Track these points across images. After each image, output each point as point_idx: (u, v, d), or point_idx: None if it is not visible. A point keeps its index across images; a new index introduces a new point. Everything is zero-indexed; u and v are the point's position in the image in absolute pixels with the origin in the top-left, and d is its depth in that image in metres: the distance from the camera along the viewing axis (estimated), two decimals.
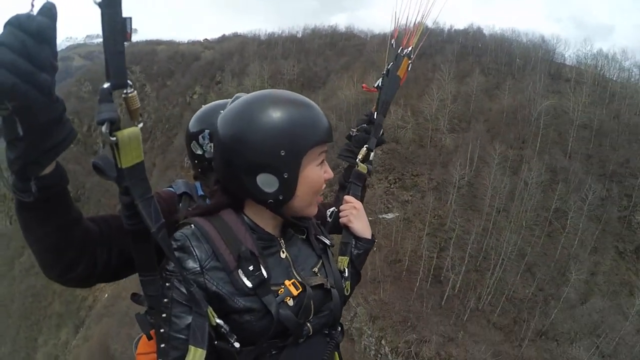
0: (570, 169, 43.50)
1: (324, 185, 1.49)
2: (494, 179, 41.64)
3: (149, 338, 1.30)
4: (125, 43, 0.98)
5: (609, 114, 49.06)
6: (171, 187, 1.73)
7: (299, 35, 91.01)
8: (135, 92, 1.04)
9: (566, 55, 63.59)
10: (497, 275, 38.68)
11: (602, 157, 45.83)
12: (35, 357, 62.90)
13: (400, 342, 36.40)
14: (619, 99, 50.85)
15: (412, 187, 48.50)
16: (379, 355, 37.33)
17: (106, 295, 57.94)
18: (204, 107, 2.00)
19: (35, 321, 66.54)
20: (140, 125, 1.08)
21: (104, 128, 0.99)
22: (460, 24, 75.38)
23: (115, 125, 1.00)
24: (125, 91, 1.02)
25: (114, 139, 1.01)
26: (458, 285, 39.17)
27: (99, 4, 0.92)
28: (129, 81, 1.01)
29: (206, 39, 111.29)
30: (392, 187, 49.68)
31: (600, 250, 41.79)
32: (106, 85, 0.98)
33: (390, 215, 46.57)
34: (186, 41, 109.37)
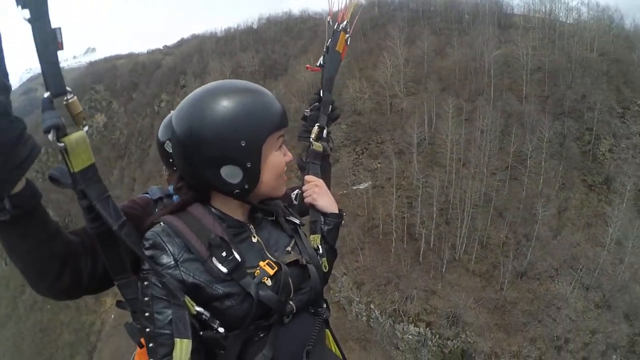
0: (526, 112, 44.21)
1: (285, 168, 1.55)
2: (451, 132, 42.48)
3: (141, 346, 1.31)
4: (59, 52, 1.02)
5: (561, 54, 49.67)
6: (147, 193, 1.76)
7: (255, 26, 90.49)
8: (75, 97, 1.09)
9: (514, 4, 64.15)
10: (466, 224, 39.49)
11: (557, 97, 46.54)
12: None
13: (387, 303, 37.56)
14: (567, 37, 51.47)
15: (379, 155, 49.38)
16: (371, 320, 38.67)
17: (112, 316, 58.18)
18: (170, 113, 2.02)
19: (49, 356, 66.45)
20: (86, 129, 1.13)
21: (50, 136, 1.03)
22: None
23: (61, 132, 1.04)
24: (65, 98, 1.06)
25: (62, 144, 1.06)
26: (432, 240, 40.00)
27: (28, 20, 0.97)
28: (67, 88, 1.05)
29: (165, 45, 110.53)
30: (360, 157, 50.67)
31: (568, 186, 42.66)
32: (46, 94, 1.02)
33: (362, 185, 47.42)
34: (145, 51, 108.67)
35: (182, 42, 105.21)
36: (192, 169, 1.39)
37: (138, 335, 1.30)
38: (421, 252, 39.88)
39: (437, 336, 35.48)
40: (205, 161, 1.35)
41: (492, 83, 47.36)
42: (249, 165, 1.38)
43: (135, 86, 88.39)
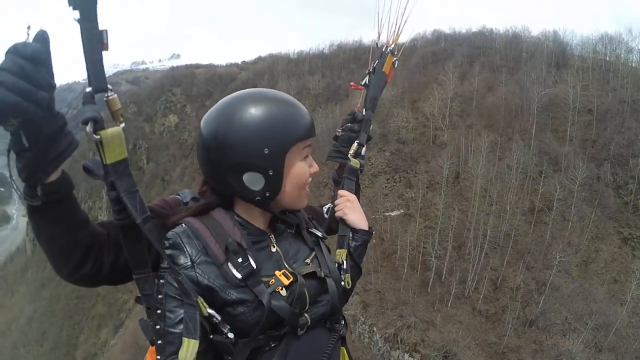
0: (563, 154, 42.60)
1: (310, 179, 1.55)
2: (481, 167, 41.91)
3: (153, 344, 1.33)
4: (104, 52, 1.10)
5: (614, 96, 47.45)
6: (179, 195, 1.77)
7: (326, 51, 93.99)
8: (116, 95, 1.16)
9: (574, 44, 62.12)
10: (479, 261, 38.71)
11: (604, 141, 44.33)
12: (75, 354, 67.80)
13: (390, 329, 37.15)
14: (622, 79, 48.83)
15: (415, 184, 49.45)
16: (372, 342, 38.20)
17: None
18: None
19: (78, 321, 71.70)
20: (122, 125, 1.18)
21: (88, 127, 1.08)
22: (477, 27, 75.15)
23: (98, 125, 1.10)
24: (106, 95, 1.12)
25: (98, 137, 1.11)
26: (444, 272, 39.43)
27: (78, 20, 1.04)
28: (108, 85, 1.12)
29: (243, 61, 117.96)
30: (396, 185, 50.97)
31: (601, 236, 40.27)
32: (88, 89, 1.10)
33: (394, 213, 47.78)
34: (224, 64, 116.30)
35: (258, 60, 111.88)
36: (216, 173, 1.42)
37: (151, 332, 1.32)
38: (430, 282, 39.43)
39: None
40: (229, 166, 1.38)
41: (534, 122, 46.16)
42: (271, 173, 1.39)
43: (210, 94, 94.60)
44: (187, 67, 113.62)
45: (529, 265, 38.80)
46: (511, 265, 39.21)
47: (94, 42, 1.06)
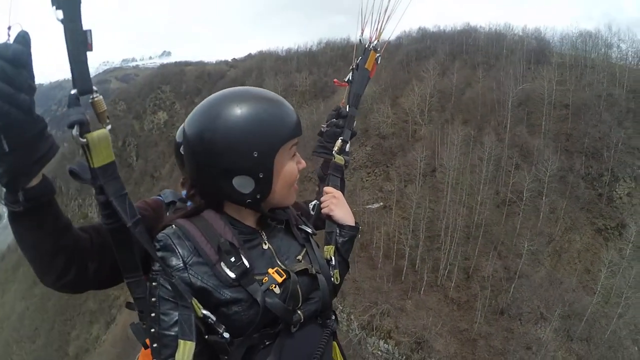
0: (535, 146, 43.67)
1: (298, 175, 1.55)
2: (453, 160, 43.04)
3: (145, 347, 1.34)
4: (88, 53, 1.08)
5: (590, 90, 48.75)
6: (160, 196, 1.75)
7: (314, 49, 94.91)
8: (101, 96, 1.14)
9: (553, 41, 63.57)
10: (450, 250, 39.65)
11: (578, 134, 45.46)
12: (67, 349, 67.63)
13: (365, 316, 38.04)
14: (597, 74, 50.12)
15: (394, 177, 50.55)
16: (350, 330, 39.14)
17: None
18: None
19: (70, 317, 71.46)
20: (109, 127, 1.17)
21: (74, 131, 1.06)
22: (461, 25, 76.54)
23: (84, 128, 1.08)
24: (91, 96, 1.11)
25: (84, 140, 1.09)
26: (417, 261, 40.32)
27: (61, 20, 1.02)
28: (93, 87, 1.10)
29: (234, 58, 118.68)
30: (377, 179, 52.03)
31: (576, 227, 41.31)
32: (73, 91, 1.07)
33: (374, 205, 48.83)
34: (214, 61, 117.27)
35: (248, 58, 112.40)
36: (205, 178, 1.40)
37: (143, 336, 1.33)
38: (404, 271, 40.22)
39: (404, 357, 35.23)
40: (217, 171, 1.36)
41: (508, 116, 47.22)
42: (261, 176, 1.38)
43: (199, 92, 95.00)
44: (176, 64, 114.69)
45: (502, 254, 39.66)
46: (483, 255, 40.05)
47: (78, 42, 1.06)
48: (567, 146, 45.26)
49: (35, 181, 1.09)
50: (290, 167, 1.49)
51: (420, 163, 45.39)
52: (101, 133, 1.12)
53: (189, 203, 1.64)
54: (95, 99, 1.12)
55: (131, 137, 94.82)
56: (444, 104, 55.06)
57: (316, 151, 2.23)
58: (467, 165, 43.56)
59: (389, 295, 38.35)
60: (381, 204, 48.62)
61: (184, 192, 1.72)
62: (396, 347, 35.52)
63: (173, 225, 1.37)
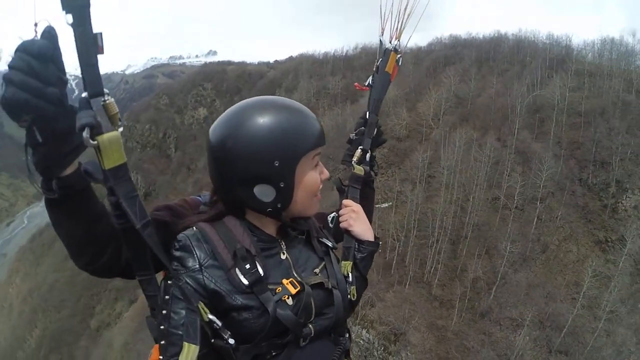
0: (536, 152, 43.04)
1: (321, 186, 1.54)
2: (455, 160, 43.45)
3: (157, 341, 1.33)
4: (99, 56, 1.08)
5: (607, 97, 47.63)
6: (199, 196, 1.74)
7: (350, 53, 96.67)
8: (113, 99, 1.13)
9: (576, 47, 61.79)
10: (438, 249, 39.97)
11: (587, 141, 44.47)
12: (90, 322, 71.72)
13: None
14: (612, 79, 49.02)
15: (405, 178, 51.01)
16: None
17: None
18: None
19: (96, 292, 75.38)
20: (120, 129, 1.15)
21: (84, 133, 1.05)
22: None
23: (95, 131, 1.07)
24: (103, 99, 1.10)
25: (95, 142, 1.08)
26: (408, 257, 40.79)
27: (71, 24, 1.02)
28: (105, 90, 1.10)
29: (276, 60, 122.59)
30: (389, 179, 52.55)
31: (574, 237, 40.26)
32: (84, 94, 1.07)
33: (384, 205, 49.55)
34: (256, 62, 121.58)
35: (289, 59, 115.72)
36: (226, 185, 1.42)
37: (155, 331, 1.31)
38: (393, 264, 40.72)
39: (382, 348, 35.31)
40: (239, 179, 1.37)
41: (517, 121, 46.85)
42: (282, 185, 1.38)
43: (239, 91, 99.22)
44: (219, 63, 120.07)
45: (492, 257, 39.39)
46: (472, 256, 39.89)
47: (88, 45, 1.05)
48: (576, 154, 44.29)
49: (70, 170, 1.11)
50: (312, 177, 1.47)
51: (421, 164, 45.70)
52: (112, 135, 1.11)
53: None
54: (107, 101, 1.11)
55: (171, 129, 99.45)
56: (458, 108, 54.99)
57: (344, 160, 2.12)
58: (466, 166, 43.72)
59: (377, 286, 38.70)
60: (390, 203, 49.19)
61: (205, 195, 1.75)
62: (376, 338, 35.56)
63: (194, 228, 1.39)
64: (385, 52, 2.05)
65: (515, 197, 40.66)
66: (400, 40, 2.05)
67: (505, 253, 37.23)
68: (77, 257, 1.27)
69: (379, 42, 2.07)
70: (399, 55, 2.07)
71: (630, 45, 56.25)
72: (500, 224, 41.08)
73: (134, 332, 53.05)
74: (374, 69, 2.08)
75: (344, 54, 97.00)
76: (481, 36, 77.21)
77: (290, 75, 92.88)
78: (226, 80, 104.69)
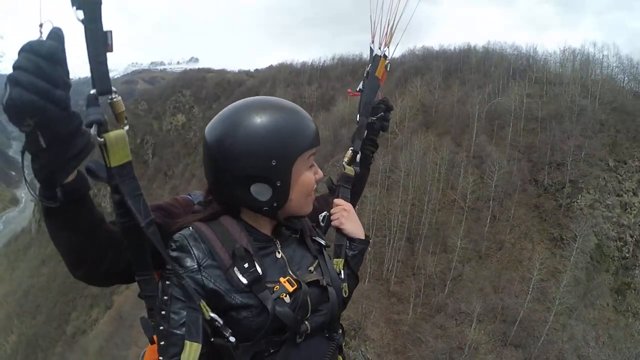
0: (490, 154, 45.28)
1: (316, 186, 1.55)
2: (414, 163, 45.42)
3: (152, 342, 1.33)
4: (108, 54, 1.08)
5: (563, 103, 50.26)
6: (189, 195, 1.73)
7: (327, 63, 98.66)
8: (120, 97, 1.14)
9: (539, 58, 64.92)
10: (395, 246, 41.58)
11: (543, 145, 46.68)
12: (65, 328, 71.29)
13: None
14: (569, 86, 51.91)
15: (372, 183, 52.81)
16: None
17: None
18: None
19: (72, 299, 74.91)
20: (126, 127, 1.16)
21: (92, 130, 1.06)
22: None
23: (103, 128, 1.08)
24: (110, 97, 1.10)
25: (102, 140, 1.09)
26: (367, 256, 41.80)
27: (82, 20, 1.03)
28: (112, 88, 1.10)
29: (256, 68, 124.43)
30: None
31: (530, 235, 41.99)
32: (92, 91, 1.08)
33: None
34: (236, 70, 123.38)
35: (269, 69, 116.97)
36: (223, 184, 1.42)
37: (152, 332, 1.31)
38: None
39: (344, 343, 36.16)
40: (236, 178, 1.38)
41: (474, 127, 49.37)
42: (278, 184, 1.39)
43: (218, 98, 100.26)
44: (199, 70, 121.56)
45: (449, 255, 40.95)
46: (429, 254, 41.65)
47: (98, 43, 1.06)
48: (532, 157, 46.35)
49: (71, 177, 1.10)
50: (308, 176, 1.49)
51: (382, 167, 47.07)
52: (119, 133, 1.12)
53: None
54: (115, 99, 1.12)
55: (149, 135, 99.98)
56: (422, 116, 57.27)
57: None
58: (423, 170, 45.74)
59: None
60: (356, 208, 50.93)
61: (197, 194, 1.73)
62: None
63: (190, 227, 1.38)
64: (375, 58, 2.18)
65: (468, 197, 42.55)
66: (389, 47, 2.17)
67: (456, 249, 38.94)
68: (76, 266, 1.27)
69: (369, 49, 2.19)
70: (387, 61, 2.20)
71: (591, 54, 59.25)
72: (456, 223, 42.61)
73: (109, 337, 53.36)
74: (365, 74, 2.21)
75: (321, 64, 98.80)
76: (452, 48, 79.54)
77: (268, 84, 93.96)
78: (205, 88, 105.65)
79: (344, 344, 1.72)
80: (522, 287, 38.11)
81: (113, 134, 1.10)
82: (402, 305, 38.81)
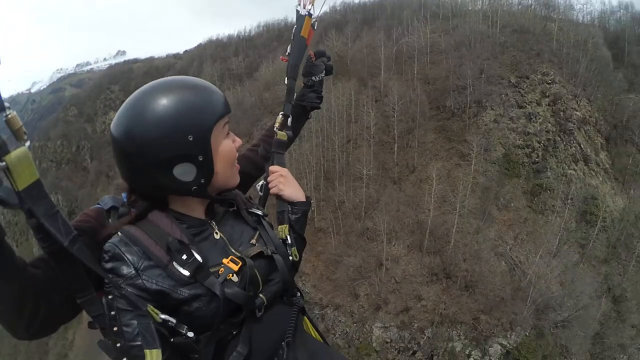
0: (401, 90, 47.03)
1: (237, 153, 1.54)
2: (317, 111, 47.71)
3: None
4: None
5: (463, 33, 52.87)
6: (99, 204, 1.59)
7: (252, 32, 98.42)
8: (15, 112, 1.04)
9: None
10: (314, 185, 44.21)
11: (447, 73, 48.91)
12: (47, 359, 69.56)
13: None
14: (473, 17, 55.99)
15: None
16: None
17: None
18: None
19: None
20: (27, 143, 1.06)
21: None
22: None
23: (2, 150, 0.99)
24: (5, 114, 1.02)
25: (3, 164, 1.00)
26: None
27: None
28: (6, 104, 1.01)
29: (185, 50, 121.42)
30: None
31: (438, 155, 44.68)
32: None
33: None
34: (165, 55, 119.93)
35: (197, 48, 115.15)
36: (143, 177, 1.35)
37: (113, 352, 1.24)
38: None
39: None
40: (156, 165, 1.31)
41: (382, 66, 51.63)
42: (200, 159, 1.36)
43: None
44: (125, 63, 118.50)
45: (368, 185, 42.94)
46: (346, 187, 43.76)
47: None
48: (437, 85, 48.83)
49: None
50: (227, 145, 1.47)
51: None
52: (20, 152, 1.02)
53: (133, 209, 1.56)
54: (9, 116, 1.03)
55: (84, 140, 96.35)
56: (336, 66, 57.91)
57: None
58: (328, 112, 47.41)
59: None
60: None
61: (124, 195, 1.62)
62: None
63: (119, 233, 1.33)
64: (299, 18, 2.10)
65: (372, 130, 44.94)
66: (314, 6, 2.09)
67: (363, 176, 41.53)
68: (16, 326, 1.19)
69: (296, 9, 2.11)
70: (313, 20, 2.12)
71: None
72: (366, 156, 44.15)
73: (87, 349, 53.18)
74: (292, 37, 2.10)
75: (247, 34, 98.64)
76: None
77: (195, 63, 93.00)
78: (134, 79, 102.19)
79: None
80: (436, 202, 40.07)
81: (14, 155, 1.01)
82: (329, 238, 40.72)
